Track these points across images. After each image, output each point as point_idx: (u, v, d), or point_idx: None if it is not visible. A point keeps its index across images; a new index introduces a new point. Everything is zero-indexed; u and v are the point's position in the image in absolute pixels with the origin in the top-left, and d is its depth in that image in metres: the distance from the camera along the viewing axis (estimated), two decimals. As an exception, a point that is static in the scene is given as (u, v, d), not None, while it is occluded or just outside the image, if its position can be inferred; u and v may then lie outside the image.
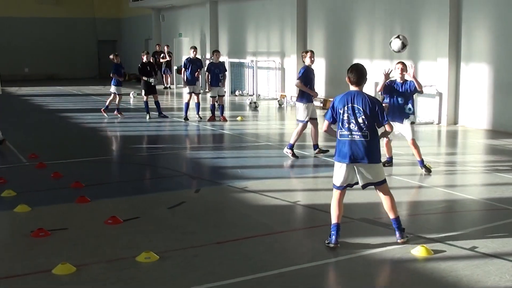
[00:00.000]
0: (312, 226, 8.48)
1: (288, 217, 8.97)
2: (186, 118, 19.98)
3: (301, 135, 13.59)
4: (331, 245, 7.36)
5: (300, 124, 13.56)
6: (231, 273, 6.69)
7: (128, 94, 28.44)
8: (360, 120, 7.38)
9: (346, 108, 7.48)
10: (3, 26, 42.31)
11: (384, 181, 7.70)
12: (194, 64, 19.98)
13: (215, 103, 19.78)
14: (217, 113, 19.86)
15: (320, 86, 24.71)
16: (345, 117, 7.45)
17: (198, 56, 20.96)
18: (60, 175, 11.64)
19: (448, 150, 15.62)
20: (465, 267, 6.77)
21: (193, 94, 20.05)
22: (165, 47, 34.05)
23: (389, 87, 11.81)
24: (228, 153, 14.53)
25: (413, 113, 11.82)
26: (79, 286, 6.40)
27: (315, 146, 13.71)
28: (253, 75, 28.31)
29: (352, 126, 7.39)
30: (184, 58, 34.75)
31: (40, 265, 6.99)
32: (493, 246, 7.44)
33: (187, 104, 20.13)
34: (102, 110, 21.27)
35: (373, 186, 7.67)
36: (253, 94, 27.75)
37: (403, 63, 11.94)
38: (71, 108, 24.93)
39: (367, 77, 8.15)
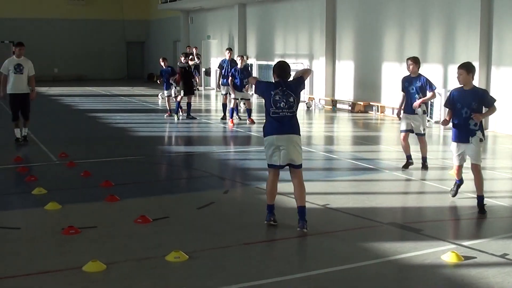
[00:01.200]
0: (341, 230, 8.44)
1: (316, 220, 8.94)
2: (223, 117, 20.46)
3: None
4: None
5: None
6: (258, 275, 6.70)
7: (156, 95, 28.60)
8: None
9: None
10: (33, 27, 42.74)
11: (301, 166, 8.51)
12: (229, 65, 20.35)
13: (239, 106, 19.96)
14: (244, 115, 19.97)
15: (348, 89, 24.68)
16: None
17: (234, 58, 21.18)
18: (89, 174, 11.74)
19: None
20: (496, 274, 6.71)
21: (228, 95, 20.22)
22: (194, 49, 34.12)
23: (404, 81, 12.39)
24: (256, 155, 14.53)
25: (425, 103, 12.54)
26: (109, 283, 6.45)
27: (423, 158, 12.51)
28: (281, 78, 28.25)
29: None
30: (213, 60, 35.04)
31: (71, 262, 7.05)
32: (524, 253, 7.37)
33: (224, 105, 20.49)
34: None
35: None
36: (281, 96, 27.71)
37: (412, 59, 12.28)
38: (100, 109, 25.12)
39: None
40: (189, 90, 20.67)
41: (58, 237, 7.98)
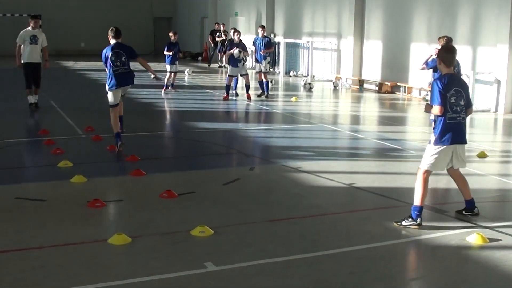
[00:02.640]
0: (366, 208, 8.43)
1: (342, 199, 8.94)
2: (267, 95, 20.40)
3: None
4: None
5: None
6: (283, 251, 6.72)
7: (183, 72, 28.61)
8: None
9: None
10: (60, 2, 42.87)
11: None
12: (261, 42, 20.52)
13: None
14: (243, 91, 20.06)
15: (376, 69, 24.52)
16: None
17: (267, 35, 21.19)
18: (115, 148, 11.78)
19: (504, 138, 15.33)
20: (521, 257, 6.68)
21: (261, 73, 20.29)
22: (221, 26, 34.08)
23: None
24: (281, 133, 14.51)
25: None
26: (134, 256, 6.50)
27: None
28: (308, 56, 28.16)
29: None
30: (240, 37, 34.96)
31: (96, 234, 7.12)
32: (550, 237, 7.32)
33: (261, 82, 20.45)
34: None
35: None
36: (308, 75, 27.63)
37: (441, 39, 12.35)
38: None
39: None
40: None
41: (83, 210, 8.05)
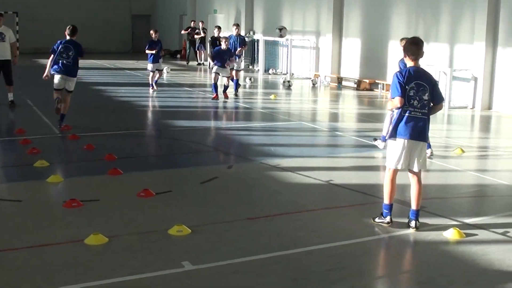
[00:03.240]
0: (344, 205, 8.45)
1: (320, 196, 8.95)
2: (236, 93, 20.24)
3: None
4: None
5: None
6: (262, 249, 6.71)
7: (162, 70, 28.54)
8: None
9: None
10: (39, -1, 42.66)
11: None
12: (236, 41, 20.20)
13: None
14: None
15: (354, 67, 24.59)
16: None
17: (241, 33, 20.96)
18: (92, 147, 11.72)
19: (481, 135, 15.43)
20: (497, 251, 6.73)
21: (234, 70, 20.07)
22: (200, 23, 34.00)
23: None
24: (260, 131, 14.51)
25: None
26: (111, 256, 6.46)
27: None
28: (288, 54, 28.18)
29: None
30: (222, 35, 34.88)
31: (73, 235, 7.06)
32: (526, 232, 7.38)
33: (235, 80, 20.25)
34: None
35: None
36: (287, 73, 27.65)
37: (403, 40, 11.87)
38: (104, 82, 25.03)
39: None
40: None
41: (60, 210, 7.99)
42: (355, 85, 23.79)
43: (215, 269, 6.15)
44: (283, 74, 28.15)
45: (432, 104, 7.40)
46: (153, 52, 20.77)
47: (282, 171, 10.28)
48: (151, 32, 21.45)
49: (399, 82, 7.27)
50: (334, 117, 17.64)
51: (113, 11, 45.21)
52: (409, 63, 7.45)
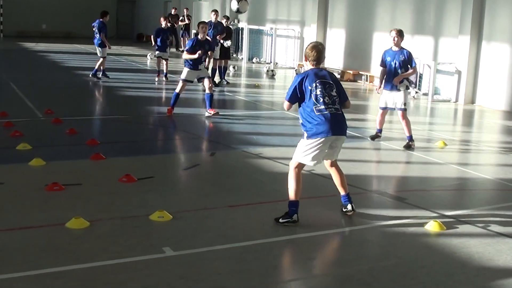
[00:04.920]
0: (326, 195, 8.47)
1: (302, 185, 8.95)
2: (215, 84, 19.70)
3: None
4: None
5: None
6: (242, 237, 6.72)
7: (145, 56, 28.46)
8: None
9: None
10: (22, -19, 42.28)
11: None
12: (214, 28, 19.70)
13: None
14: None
15: (339, 57, 24.61)
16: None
17: (221, 20, 20.59)
18: (75, 131, 11.68)
19: (463, 128, 15.52)
20: (477, 244, 6.77)
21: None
22: (184, 10, 33.88)
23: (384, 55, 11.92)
24: (243, 119, 14.49)
25: (407, 78, 11.92)
26: (92, 240, 6.43)
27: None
28: (272, 43, 28.16)
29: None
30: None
31: (54, 218, 7.03)
32: (505, 226, 7.43)
33: (213, 70, 19.77)
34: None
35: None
36: (271, 62, 27.64)
37: (397, 31, 11.73)
38: (87, 67, 24.82)
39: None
40: (225, 53, 20.30)
41: (41, 193, 7.94)
42: (339, 76, 23.82)
43: (196, 255, 6.15)
44: (267, 63, 28.14)
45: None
46: (157, 38, 20.58)
47: (264, 160, 10.29)
48: (161, 19, 21.31)
49: (294, 85, 7.20)
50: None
51: (98, -4, 44.89)
52: (308, 66, 7.37)
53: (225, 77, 20.45)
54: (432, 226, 7.16)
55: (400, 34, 11.65)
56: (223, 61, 20.14)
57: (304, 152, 7.20)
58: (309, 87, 7.13)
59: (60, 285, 5.39)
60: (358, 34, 23.61)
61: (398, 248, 6.70)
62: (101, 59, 20.60)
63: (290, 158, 10.03)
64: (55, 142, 11.16)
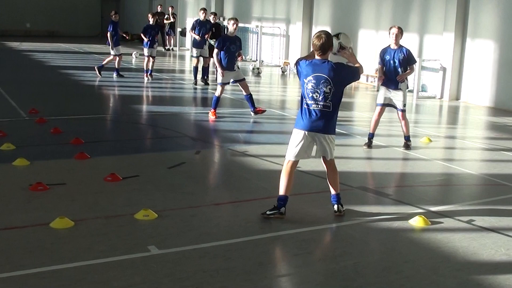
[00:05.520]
0: (311, 192, 8.49)
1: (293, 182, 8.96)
2: (195, 83, 19.58)
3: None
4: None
5: None
6: (228, 234, 6.72)
7: (131, 54, 28.38)
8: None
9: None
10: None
11: None
12: (203, 26, 19.61)
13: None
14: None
15: (323, 55, 24.59)
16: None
17: (208, 18, 20.43)
18: (59, 131, 11.63)
19: (448, 124, 15.59)
20: (462, 239, 6.80)
21: (200, 58, 19.73)
22: (170, 8, 33.82)
23: (383, 53, 11.40)
24: (229, 117, 14.47)
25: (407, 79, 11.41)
26: (76, 240, 6.41)
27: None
28: (257, 41, 28.16)
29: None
30: (188, 20, 34.70)
31: (38, 218, 7.00)
32: (489, 220, 7.47)
33: (196, 68, 19.70)
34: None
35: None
36: (257, 60, 27.63)
37: (399, 28, 11.35)
38: (72, 65, 24.79)
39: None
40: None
41: (26, 193, 7.91)
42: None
43: (181, 254, 6.13)
44: (253, 61, 28.13)
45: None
46: (145, 35, 20.30)
47: (250, 158, 10.29)
48: (149, 15, 21.15)
49: (298, 68, 7.36)
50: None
51: (82, -7, 44.76)
52: (312, 56, 7.40)
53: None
54: (416, 222, 7.19)
55: (401, 31, 11.28)
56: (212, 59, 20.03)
57: (290, 144, 7.33)
58: (304, 80, 7.20)
59: (44, 285, 5.37)
60: (343, 32, 23.59)
61: (383, 243, 6.72)
62: (111, 57, 20.73)
63: (276, 156, 10.11)
64: (39, 142, 11.11)
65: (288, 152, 7.37)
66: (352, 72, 7.44)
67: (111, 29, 20.68)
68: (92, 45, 35.46)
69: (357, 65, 7.58)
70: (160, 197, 7.95)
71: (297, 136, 7.26)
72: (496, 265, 6.17)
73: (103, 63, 20.90)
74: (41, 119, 12.64)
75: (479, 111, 16.95)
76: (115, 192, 8.12)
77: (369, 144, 11.46)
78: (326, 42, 7.24)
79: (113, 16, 20.97)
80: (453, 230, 7.10)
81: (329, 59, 7.28)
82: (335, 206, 7.48)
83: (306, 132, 7.19)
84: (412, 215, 7.40)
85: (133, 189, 8.28)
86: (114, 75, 20.64)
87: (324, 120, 7.18)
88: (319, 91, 7.13)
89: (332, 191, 7.56)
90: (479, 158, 11.52)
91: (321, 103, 7.14)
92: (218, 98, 13.97)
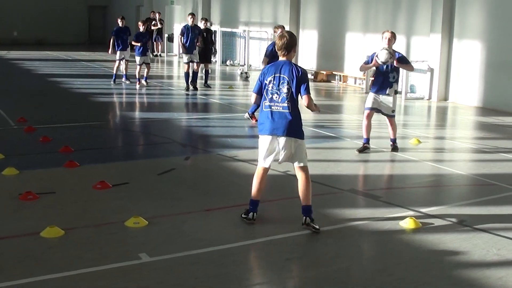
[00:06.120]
0: (301, 196, 8.48)
1: (277, 187, 8.94)
2: (187, 88, 19.45)
3: None
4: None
5: None
6: (219, 240, 6.69)
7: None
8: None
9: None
10: (-8, -12, 41.95)
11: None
12: (192, 32, 19.54)
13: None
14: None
15: (312, 58, 24.67)
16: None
17: (200, 24, 20.35)
18: (48, 139, 11.59)
19: (437, 125, 15.63)
20: (453, 240, 6.81)
21: (191, 63, 19.61)
22: (157, 15, 33.81)
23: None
24: (218, 122, 14.47)
25: (397, 81, 11.12)
26: (67, 249, 6.37)
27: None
28: (245, 45, 28.16)
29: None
30: (176, 26, 34.69)
31: (28, 227, 6.96)
32: (480, 220, 7.48)
33: (187, 74, 19.49)
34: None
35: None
36: (244, 64, 27.63)
37: (392, 33, 11.08)
38: (60, 73, 24.71)
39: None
40: (206, 56, 20.13)
41: (15, 203, 7.86)
42: (312, 77, 23.86)
43: (172, 261, 6.11)
44: (241, 65, 28.13)
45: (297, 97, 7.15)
46: (139, 44, 20.06)
47: (239, 162, 10.28)
48: (139, 23, 21.01)
49: (259, 77, 7.22)
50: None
51: (69, 2, 44.72)
52: (281, 57, 7.19)
53: (208, 81, 20.34)
54: (408, 223, 7.19)
55: (394, 36, 11.05)
56: (202, 64, 20.05)
57: (259, 150, 7.27)
58: (265, 81, 7.11)
59: (35, 295, 5.34)
60: (330, 35, 23.68)
61: (374, 246, 6.73)
62: (117, 63, 20.69)
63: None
64: (28, 151, 11.06)
65: (259, 158, 7.32)
66: (304, 79, 7.20)
67: (114, 34, 20.60)
68: (80, 53, 35.38)
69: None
70: (150, 204, 7.92)
71: (263, 141, 7.17)
72: (487, 265, 6.18)
73: (114, 72, 20.84)
74: (30, 128, 12.58)
75: (467, 112, 17.01)
76: (105, 199, 8.09)
77: (362, 150, 11.12)
78: (289, 42, 7.09)
79: (118, 21, 20.79)
80: (444, 231, 7.10)
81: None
82: (303, 218, 7.05)
83: (270, 136, 7.08)
84: (403, 217, 7.40)
85: (123, 196, 8.25)
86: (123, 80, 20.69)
87: (286, 121, 7.04)
88: (278, 92, 7.05)
89: (301, 202, 7.14)
90: (469, 158, 11.55)
91: (280, 104, 7.05)
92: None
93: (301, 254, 6.42)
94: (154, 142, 12.25)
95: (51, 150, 10.96)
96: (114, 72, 20.78)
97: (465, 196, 8.99)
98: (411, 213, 7.67)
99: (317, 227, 6.96)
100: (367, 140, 11.18)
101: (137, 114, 15.38)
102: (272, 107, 7.06)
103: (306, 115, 15.57)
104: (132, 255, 6.20)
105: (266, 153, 7.17)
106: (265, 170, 7.27)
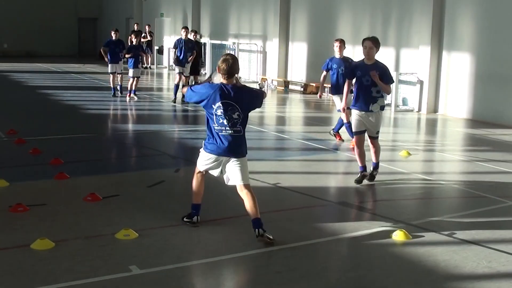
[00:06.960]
0: (292, 208, 8.48)
1: (267, 199, 8.93)
2: (175, 100, 19.44)
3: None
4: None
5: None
6: (209, 253, 6.69)
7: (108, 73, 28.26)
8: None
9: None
10: (-19, 0, 41.86)
11: None
12: (185, 45, 19.56)
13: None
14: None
15: (301, 70, 24.72)
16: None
17: (190, 37, 20.32)
18: (39, 151, 11.54)
19: (427, 137, 15.69)
20: (443, 252, 6.83)
21: (182, 76, 19.57)
22: (146, 27, 33.82)
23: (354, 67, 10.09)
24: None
25: (382, 96, 9.73)
26: (57, 261, 6.36)
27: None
28: (235, 58, 28.16)
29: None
30: (166, 38, 34.73)
31: (19, 240, 6.94)
32: (470, 233, 7.50)
33: (177, 86, 19.47)
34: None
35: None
36: (234, 76, 27.61)
37: (372, 40, 9.56)
38: (50, 85, 24.65)
39: None
40: (195, 69, 20.22)
41: (5, 215, 7.83)
42: (302, 89, 23.93)
43: (163, 273, 6.11)
44: (231, 77, 28.10)
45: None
46: (129, 56, 19.91)
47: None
48: (131, 36, 20.86)
49: (205, 88, 7.24)
50: (281, 120, 17.71)
51: (59, 14, 44.61)
52: (223, 80, 7.15)
53: None
54: (398, 236, 7.21)
55: (375, 43, 9.55)
56: (191, 77, 20.09)
57: (201, 161, 7.42)
58: (213, 106, 7.10)
59: (25, 308, 5.32)
60: (320, 47, 23.73)
61: (365, 258, 6.73)
62: (110, 76, 20.67)
63: (255, 172, 10.10)
64: (19, 163, 11.03)
65: (198, 163, 7.49)
66: (256, 97, 7.42)
67: (104, 45, 20.55)
68: (70, 65, 35.31)
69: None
70: (141, 216, 7.91)
71: (207, 157, 7.34)
72: (478, 277, 6.20)
73: (111, 85, 20.77)
74: (20, 140, 12.55)
75: (457, 123, 17.08)
76: (95, 212, 8.08)
77: (360, 180, 9.80)
78: (232, 67, 7.08)
79: (112, 33, 20.66)
80: (435, 244, 7.12)
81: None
82: (256, 230, 6.98)
83: (215, 157, 7.23)
84: (393, 230, 7.42)
85: (113, 208, 8.24)
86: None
87: (236, 145, 7.17)
88: (228, 117, 7.09)
89: (252, 216, 7.09)
90: (459, 170, 11.60)
91: (231, 128, 7.13)
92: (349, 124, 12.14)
93: (292, 267, 6.41)
94: (145, 154, 12.24)
95: (42, 162, 10.93)
96: (112, 86, 20.67)
97: (455, 208, 9.01)
98: (401, 225, 7.68)
99: (271, 237, 6.96)
100: (364, 168, 9.84)
101: (127, 126, 15.35)
102: (223, 131, 7.17)
103: (292, 127, 15.62)
104: (122, 267, 6.19)
105: (208, 166, 7.42)
106: (203, 174, 7.55)
